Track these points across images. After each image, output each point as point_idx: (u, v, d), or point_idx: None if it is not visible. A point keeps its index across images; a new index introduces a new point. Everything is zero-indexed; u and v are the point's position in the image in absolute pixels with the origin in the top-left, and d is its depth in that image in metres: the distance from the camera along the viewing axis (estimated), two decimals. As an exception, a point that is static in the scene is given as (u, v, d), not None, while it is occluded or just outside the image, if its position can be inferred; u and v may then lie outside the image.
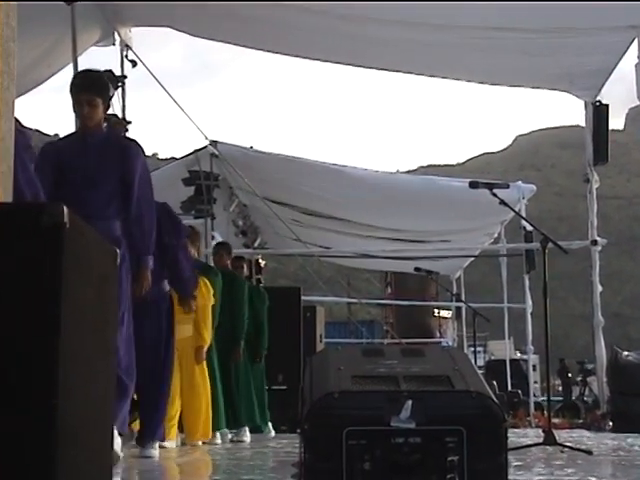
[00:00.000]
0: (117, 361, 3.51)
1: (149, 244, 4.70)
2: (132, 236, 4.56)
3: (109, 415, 2.83)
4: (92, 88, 4.50)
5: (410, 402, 2.22)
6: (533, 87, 9.38)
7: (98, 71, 5.20)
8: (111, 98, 6.71)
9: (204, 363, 6.87)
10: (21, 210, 2.32)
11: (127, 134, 6.71)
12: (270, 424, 8.59)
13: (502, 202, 5.97)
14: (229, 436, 7.82)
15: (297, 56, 9.74)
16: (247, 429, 7.83)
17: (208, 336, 6.82)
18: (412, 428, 2.20)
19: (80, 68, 7.34)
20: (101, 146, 4.57)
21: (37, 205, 2.41)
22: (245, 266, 8.37)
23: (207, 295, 7.00)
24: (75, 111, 4.80)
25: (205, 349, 6.81)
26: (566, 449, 5.70)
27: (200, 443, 7.11)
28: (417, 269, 13.89)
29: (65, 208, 2.26)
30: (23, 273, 2.17)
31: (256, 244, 14.32)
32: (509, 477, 2.41)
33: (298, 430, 2.41)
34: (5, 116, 2.64)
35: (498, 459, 2.29)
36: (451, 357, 2.55)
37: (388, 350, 2.65)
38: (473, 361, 3.26)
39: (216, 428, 7.35)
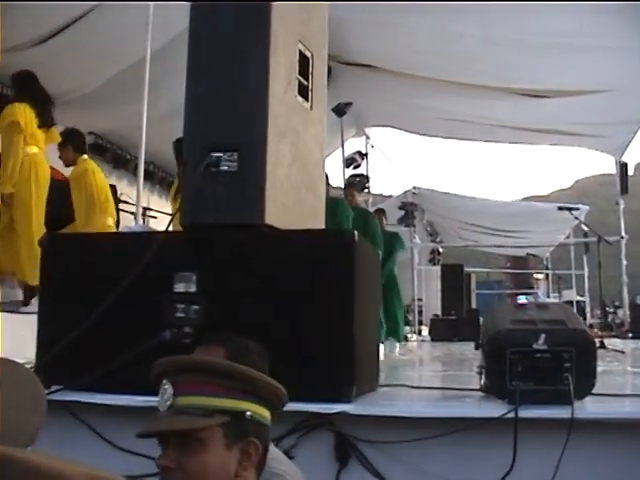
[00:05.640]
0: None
1: None
2: None
3: (375, 332, 3.86)
4: None
5: (543, 335, 2.74)
6: (596, 150, 12.86)
7: None
8: (359, 166, 12.40)
9: None
10: (336, 234, 3.39)
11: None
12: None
13: (576, 218, 9.02)
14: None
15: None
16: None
17: None
18: (545, 349, 2.75)
19: (345, 150, 12.30)
20: None
21: (341, 231, 3.42)
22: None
23: None
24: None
25: None
26: (610, 350, 7.61)
27: None
28: (527, 254, 22.35)
29: (356, 233, 3.11)
30: (338, 265, 3.02)
31: (437, 240, 20.52)
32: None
33: (480, 349, 2.94)
34: (320, 180, 3.74)
35: (592, 363, 2.79)
36: (563, 309, 3.12)
37: (529, 305, 3.10)
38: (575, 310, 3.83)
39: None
